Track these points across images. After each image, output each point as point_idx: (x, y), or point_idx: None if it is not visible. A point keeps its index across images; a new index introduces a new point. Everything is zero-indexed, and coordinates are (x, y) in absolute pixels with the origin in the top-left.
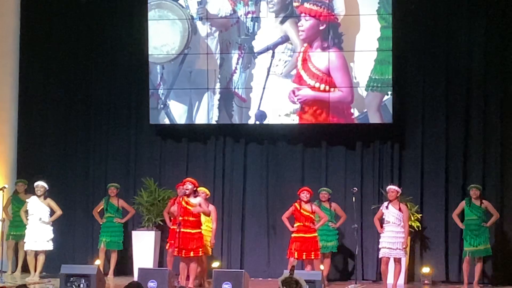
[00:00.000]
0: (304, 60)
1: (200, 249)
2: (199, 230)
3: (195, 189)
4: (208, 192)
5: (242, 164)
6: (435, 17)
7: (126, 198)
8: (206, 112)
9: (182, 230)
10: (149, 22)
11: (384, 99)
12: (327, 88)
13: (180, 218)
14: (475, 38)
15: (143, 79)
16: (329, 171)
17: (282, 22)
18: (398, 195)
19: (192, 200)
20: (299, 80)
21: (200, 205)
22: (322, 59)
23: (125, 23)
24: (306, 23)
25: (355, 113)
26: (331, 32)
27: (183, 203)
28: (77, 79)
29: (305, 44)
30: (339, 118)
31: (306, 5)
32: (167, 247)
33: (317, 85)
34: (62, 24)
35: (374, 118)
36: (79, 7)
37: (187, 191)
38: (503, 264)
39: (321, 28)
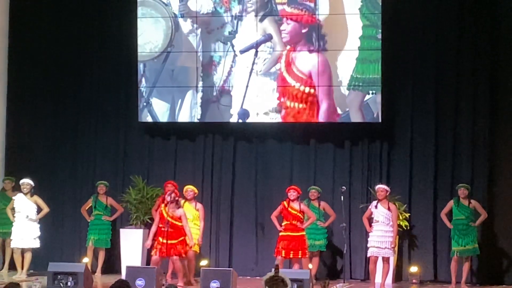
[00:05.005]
0: (288, 63)
1: (183, 252)
2: (181, 238)
3: (177, 199)
4: (196, 190)
5: (231, 162)
6: (424, 16)
7: (114, 196)
8: (189, 110)
9: (166, 241)
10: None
11: (366, 98)
12: (312, 91)
13: (161, 226)
14: (464, 38)
15: (131, 77)
16: (317, 170)
17: (261, 20)
18: (387, 195)
19: (176, 212)
20: (283, 82)
21: (180, 218)
22: (306, 62)
23: (114, 21)
24: (287, 26)
25: (338, 112)
26: (314, 35)
27: (163, 213)
28: (66, 77)
29: (288, 46)
30: (322, 118)
31: (288, 8)
32: (151, 253)
33: (301, 88)
34: (51, 22)
35: (356, 117)
36: (68, 5)
37: (169, 197)
38: (491, 263)
39: (303, 31)
